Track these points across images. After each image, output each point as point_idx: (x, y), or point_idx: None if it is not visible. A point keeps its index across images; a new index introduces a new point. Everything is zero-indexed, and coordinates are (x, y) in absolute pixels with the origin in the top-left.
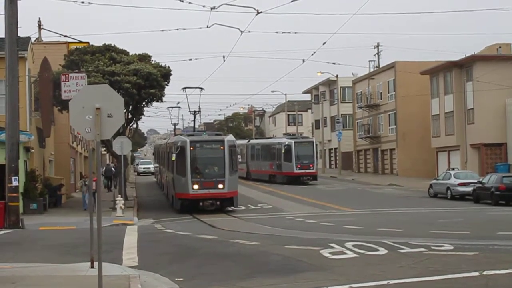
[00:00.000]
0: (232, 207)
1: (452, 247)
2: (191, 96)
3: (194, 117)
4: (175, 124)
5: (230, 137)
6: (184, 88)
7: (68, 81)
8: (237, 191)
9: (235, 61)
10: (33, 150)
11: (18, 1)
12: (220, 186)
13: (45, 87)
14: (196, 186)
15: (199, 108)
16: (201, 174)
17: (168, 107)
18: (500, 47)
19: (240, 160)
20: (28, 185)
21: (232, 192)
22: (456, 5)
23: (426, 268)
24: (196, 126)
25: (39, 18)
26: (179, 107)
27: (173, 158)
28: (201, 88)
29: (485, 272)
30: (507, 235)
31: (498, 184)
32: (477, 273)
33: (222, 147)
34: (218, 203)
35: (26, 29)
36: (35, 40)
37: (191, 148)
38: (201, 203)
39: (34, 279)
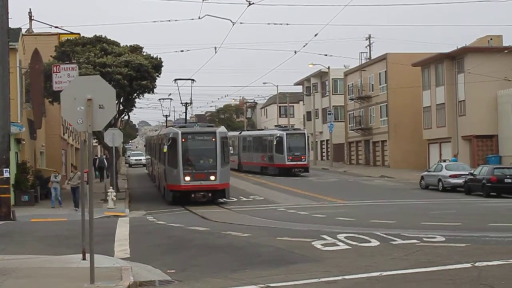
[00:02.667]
0: (224, 199)
1: (444, 239)
2: (183, 88)
3: (186, 109)
4: (166, 116)
5: (222, 128)
6: (176, 79)
7: (59, 72)
8: (229, 183)
9: (226, 52)
10: (24, 142)
11: None
12: (212, 178)
13: (36, 79)
14: (187, 178)
15: (191, 99)
16: (193, 165)
17: (159, 99)
18: (491, 39)
19: (231, 152)
20: (19, 177)
21: (224, 184)
22: None
23: (418, 260)
24: (188, 118)
25: (30, 9)
26: (171, 99)
27: (165, 150)
28: (192, 80)
29: (477, 264)
30: (498, 227)
31: (490, 176)
32: (469, 265)
33: (214, 139)
34: (210, 195)
35: (16, 20)
36: (26, 31)
37: (183, 140)
38: (192, 195)
39: (26, 271)
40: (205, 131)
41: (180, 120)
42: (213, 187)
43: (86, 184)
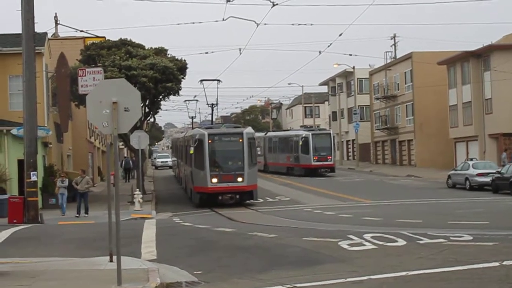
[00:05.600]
0: (251, 200)
1: (471, 238)
2: (208, 90)
3: (212, 110)
4: (192, 117)
5: (249, 129)
6: (201, 80)
7: (85, 76)
8: (256, 184)
9: (251, 53)
10: (51, 145)
11: None
12: (240, 179)
13: (62, 82)
14: (215, 180)
15: (217, 100)
16: (220, 167)
17: (185, 100)
18: None
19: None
20: (47, 180)
21: (252, 186)
22: None
23: (445, 259)
24: (214, 119)
25: (56, 14)
26: (197, 100)
27: (191, 152)
28: (218, 80)
29: (504, 262)
30: None
31: None
32: (496, 263)
33: (241, 140)
34: (237, 196)
35: (42, 24)
36: (51, 36)
37: (210, 141)
38: (220, 197)
39: (54, 273)
40: (232, 132)
41: (206, 122)
42: (240, 188)
43: (112, 186)
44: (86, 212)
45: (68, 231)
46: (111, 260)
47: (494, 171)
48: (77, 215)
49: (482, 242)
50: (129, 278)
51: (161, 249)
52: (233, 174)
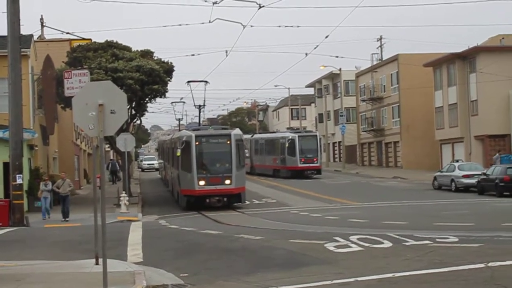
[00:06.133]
0: (239, 203)
1: (457, 239)
2: (195, 92)
3: (199, 111)
4: (179, 119)
5: (237, 131)
6: (189, 81)
7: (71, 78)
8: (244, 186)
9: (238, 55)
10: (37, 148)
11: None
12: (227, 182)
13: (48, 85)
14: (202, 182)
15: (204, 102)
16: (208, 169)
17: (172, 102)
18: (503, 38)
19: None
20: (32, 183)
21: (240, 188)
22: None
23: (431, 261)
24: (200, 121)
25: (42, 16)
26: (184, 102)
27: (178, 154)
28: (206, 82)
29: (490, 264)
30: (511, 227)
31: (503, 176)
32: (482, 265)
33: (228, 142)
34: (225, 199)
35: (28, 27)
36: (37, 38)
37: (197, 143)
38: (207, 200)
39: (39, 276)
40: (220, 133)
41: (192, 124)
42: (228, 191)
43: (98, 189)
44: (67, 216)
45: (54, 234)
46: (97, 263)
47: (479, 172)
48: (63, 219)
49: (467, 244)
50: (115, 281)
51: (147, 251)
52: (221, 176)
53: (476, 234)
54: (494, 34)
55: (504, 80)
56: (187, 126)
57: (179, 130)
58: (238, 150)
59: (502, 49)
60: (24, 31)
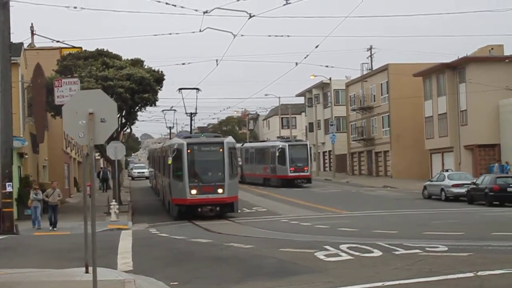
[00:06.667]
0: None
1: (446, 248)
2: (186, 100)
3: (191, 119)
4: (170, 128)
5: (230, 139)
6: (180, 89)
7: (61, 86)
8: (237, 195)
9: (228, 64)
10: (26, 156)
11: (10, 7)
12: (220, 190)
13: (38, 93)
14: (194, 191)
15: (196, 109)
16: (200, 178)
17: (162, 110)
18: (492, 48)
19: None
20: (22, 191)
21: (233, 197)
22: (447, 6)
23: (421, 270)
24: (191, 129)
25: (32, 24)
26: (175, 110)
27: (170, 162)
28: (197, 89)
29: (479, 273)
30: (501, 236)
31: (492, 185)
32: (471, 274)
33: (221, 150)
34: (217, 208)
35: (18, 35)
36: (28, 46)
37: (189, 151)
38: (199, 209)
39: (29, 284)
40: (212, 141)
41: (183, 132)
42: (221, 200)
43: (89, 197)
44: (55, 226)
45: (44, 242)
46: (87, 271)
47: (469, 182)
48: (51, 228)
49: (457, 253)
50: None
51: (137, 260)
52: (213, 185)
53: (465, 243)
54: (484, 45)
55: (493, 90)
56: (177, 134)
57: (170, 138)
58: (231, 158)
59: (491, 59)
60: (14, 39)
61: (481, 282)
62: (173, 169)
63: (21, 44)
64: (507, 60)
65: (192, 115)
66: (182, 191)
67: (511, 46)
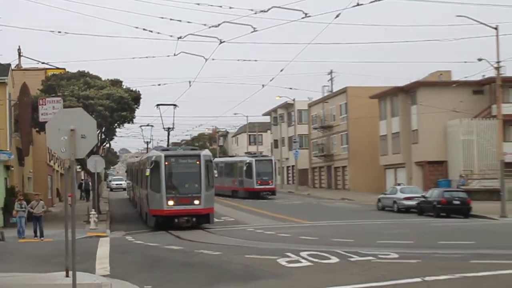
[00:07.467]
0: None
1: (397, 256)
2: (163, 116)
3: (168, 134)
4: (147, 142)
5: (206, 151)
6: (158, 105)
7: (45, 104)
8: (213, 207)
9: (200, 85)
10: (13, 168)
11: None
12: (196, 202)
13: (24, 110)
14: (171, 202)
15: (173, 124)
16: (177, 189)
17: (140, 126)
18: (441, 74)
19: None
20: (8, 201)
21: (209, 209)
22: (402, 35)
23: (374, 275)
24: (168, 143)
25: (19, 47)
26: (152, 126)
27: (148, 173)
28: (175, 105)
29: (426, 278)
30: (447, 244)
31: (440, 198)
32: (419, 279)
33: (198, 162)
34: (194, 219)
35: (6, 56)
36: (15, 67)
37: (166, 163)
38: (176, 220)
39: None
40: (189, 154)
41: (159, 147)
42: (197, 211)
43: (70, 207)
44: (42, 236)
45: (28, 248)
46: (67, 275)
47: (419, 195)
48: (36, 237)
49: (407, 260)
50: None
51: (114, 265)
52: (189, 196)
53: (415, 251)
54: (433, 70)
55: (441, 112)
56: (154, 148)
57: (147, 152)
58: (207, 170)
59: (440, 84)
60: (2, 60)
61: (428, 286)
62: (151, 181)
63: (9, 65)
64: (454, 85)
65: (170, 130)
66: (159, 202)
67: (458, 72)
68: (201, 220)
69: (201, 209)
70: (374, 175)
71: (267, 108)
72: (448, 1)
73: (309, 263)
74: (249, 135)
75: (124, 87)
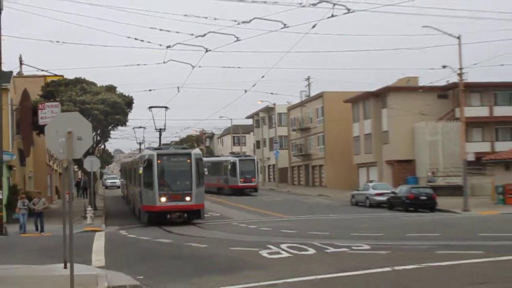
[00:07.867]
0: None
1: (369, 247)
2: (155, 118)
3: (160, 134)
4: (140, 143)
5: (197, 150)
6: (150, 107)
7: (45, 109)
8: (203, 203)
9: (188, 91)
10: (15, 168)
11: (2, 41)
12: (188, 198)
13: (25, 114)
14: (163, 199)
15: (165, 126)
16: (169, 186)
17: (133, 128)
18: (409, 80)
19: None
20: (11, 198)
21: (199, 205)
22: (372, 43)
23: (347, 265)
24: (160, 143)
25: (20, 55)
26: (144, 128)
27: (141, 172)
28: (166, 108)
29: (395, 267)
30: (414, 236)
31: (408, 194)
32: (389, 268)
33: (189, 160)
34: (185, 215)
35: (8, 64)
36: (16, 74)
37: (159, 161)
38: (168, 216)
39: (14, 279)
40: (181, 152)
41: (151, 148)
42: (188, 207)
43: (67, 203)
44: (42, 230)
45: (29, 242)
46: (65, 267)
47: (389, 191)
48: (37, 231)
49: (378, 251)
50: (81, 283)
51: (109, 257)
52: (181, 193)
53: (385, 243)
54: (402, 76)
55: (410, 115)
56: (147, 148)
57: (140, 152)
58: (198, 168)
59: (408, 89)
60: (4, 68)
61: (397, 274)
62: (144, 179)
63: (11, 72)
64: (421, 90)
65: (161, 130)
66: (152, 198)
67: (424, 78)
68: (193, 215)
69: (192, 205)
70: (348, 173)
71: (250, 112)
72: (415, 13)
73: (288, 255)
74: (233, 136)
75: (118, 92)
